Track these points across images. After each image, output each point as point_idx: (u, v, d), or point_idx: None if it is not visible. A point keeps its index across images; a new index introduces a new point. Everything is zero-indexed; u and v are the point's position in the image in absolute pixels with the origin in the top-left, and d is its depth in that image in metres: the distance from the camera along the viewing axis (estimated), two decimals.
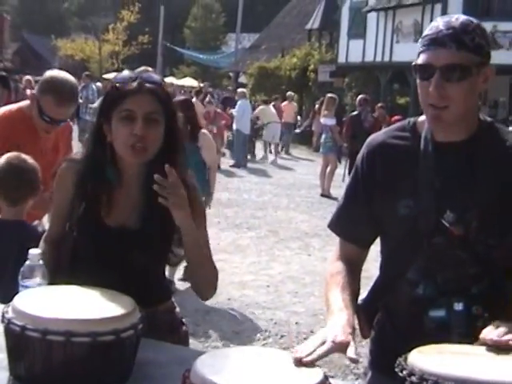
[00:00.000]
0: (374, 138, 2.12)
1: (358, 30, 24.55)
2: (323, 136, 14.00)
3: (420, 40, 1.93)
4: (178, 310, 2.41)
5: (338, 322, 1.79)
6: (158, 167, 2.17)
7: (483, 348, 1.67)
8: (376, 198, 2.03)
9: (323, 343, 1.68)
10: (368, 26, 23.99)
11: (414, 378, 1.51)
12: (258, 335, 5.61)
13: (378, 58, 23.20)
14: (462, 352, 1.64)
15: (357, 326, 1.90)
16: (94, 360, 1.68)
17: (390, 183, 2.00)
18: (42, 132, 3.59)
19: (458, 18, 1.90)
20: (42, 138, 3.64)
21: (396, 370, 1.59)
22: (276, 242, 9.11)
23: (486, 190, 1.89)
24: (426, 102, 1.91)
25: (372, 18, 23.72)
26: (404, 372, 1.55)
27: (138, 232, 2.19)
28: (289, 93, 22.35)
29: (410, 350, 1.88)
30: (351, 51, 25.12)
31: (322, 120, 14.17)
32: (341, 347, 1.68)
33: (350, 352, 1.66)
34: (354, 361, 1.66)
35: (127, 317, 1.76)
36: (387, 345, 2.07)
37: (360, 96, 14.24)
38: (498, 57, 20.87)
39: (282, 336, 5.60)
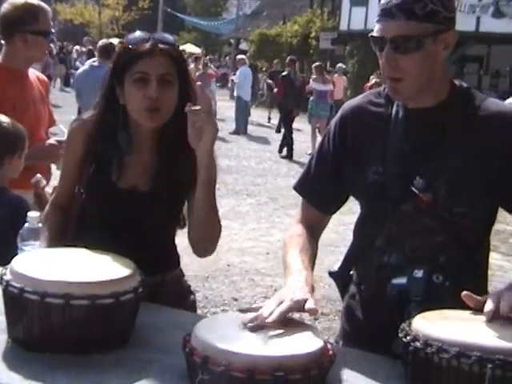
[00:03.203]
0: (350, 102, 2.10)
1: None
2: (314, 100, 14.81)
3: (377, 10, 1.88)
4: (185, 277, 2.39)
5: (297, 281, 1.77)
6: (171, 130, 2.13)
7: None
8: (346, 164, 2.01)
9: (281, 303, 1.65)
10: None
11: (418, 344, 1.50)
12: (258, 302, 5.60)
13: None
14: (466, 318, 1.62)
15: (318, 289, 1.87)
16: (93, 323, 1.66)
17: (360, 149, 1.97)
18: (41, 55, 3.53)
19: None
20: (29, 88, 3.53)
21: (400, 335, 1.57)
22: (276, 209, 9.12)
23: (455, 156, 1.85)
24: (383, 73, 1.88)
25: None
26: (408, 337, 1.54)
27: (149, 194, 2.16)
28: (339, 64, 20.13)
29: (375, 319, 1.89)
30: (353, 18, 24.90)
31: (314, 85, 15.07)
32: (299, 305, 1.65)
33: (309, 304, 1.64)
34: (313, 311, 1.64)
35: (127, 280, 1.74)
36: (356, 314, 2.07)
37: (289, 57, 15.71)
38: (502, 25, 20.83)
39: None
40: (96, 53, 8.50)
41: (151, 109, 2.06)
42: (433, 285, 1.87)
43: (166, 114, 2.10)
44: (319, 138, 14.41)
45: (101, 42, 8.35)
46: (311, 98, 15.29)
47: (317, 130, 14.58)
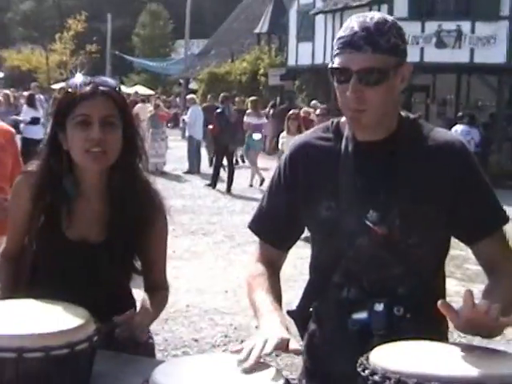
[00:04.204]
0: (298, 138, 2.10)
1: (307, 32, 24.68)
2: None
3: (335, 41, 1.88)
4: None
5: (272, 322, 1.77)
6: (118, 175, 2.13)
7: (443, 344, 1.67)
8: (299, 201, 2.00)
9: (266, 341, 1.65)
10: (316, 28, 24.12)
11: (376, 377, 1.49)
12: (218, 341, 5.57)
13: (328, 60, 23.18)
14: (424, 348, 1.63)
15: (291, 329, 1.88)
16: (48, 375, 1.62)
17: (312, 185, 1.97)
18: None
19: (372, 17, 1.84)
20: None
21: (358, 369, 1.57)
22: (232, 247, 9.10)
23: (408, 187, 1.86)
24: (344, 105, 1.87)
25: (320, 20, 23.86)
26: (366, 371, 1.53)
27: (102, 245, 2.13)
28: (314, 102, 19.01)
29: (337, 355, 1.85)
30: (300, 54, 25.23)
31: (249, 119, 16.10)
32: (283, 343, 1.66)
33: (293, 344, 1.66)
34: (297, 351, 1.68)
35: (81, 329, 1.70)
36: (317, 351, 2.05)
37: (221, 94, 16.11)
38: (444, 55, 21.19)
39: (242, 341, 5.56)
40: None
41: (94, 150, 2.05)
42: (394, 318, 1.87)
43: (110, 155, 2.09)
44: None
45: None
46: (247, 133, 15.91)
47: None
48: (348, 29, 1.84)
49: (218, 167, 15.01)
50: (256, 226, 2.14)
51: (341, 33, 1.86)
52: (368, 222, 1.88)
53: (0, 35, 54.12)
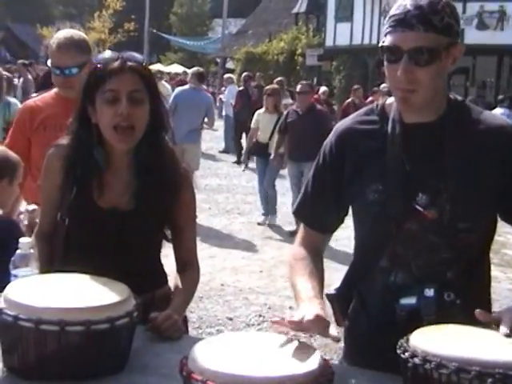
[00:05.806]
0: (342, 123, 2.05)
1: (345, 12, 24.46)
2: None
3: (387, 19, 1.84)
4: None
5: (312, 307, 1.76)
6: (144, 148, 2.16)
7: (484, 329, 1.65)
8: (345, 185, 1.97)
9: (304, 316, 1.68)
10: (355, 8, 23.90)
11: (416, 360, 1.49)
12: (253, 320, 5.59)
13: (366, 41, 23.12)
14: (464, 332, 1.62)
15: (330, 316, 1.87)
16: (89, 349, 1.65)
17: (358, 168, 1.94)
18: (63, 90, 3.43)
19: None
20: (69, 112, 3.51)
21: (398, 351, 1.56)
22: (268, 227, 9.10)
23: (458, 171, 1.83)
24: (394, 85, 1.84)
25: (359, 0, 23.63)
26: (406, 354, 1.53)
27: (132, 212, 2.16)
28: (383, 85, 18.30)
29: (384, 340, 1.81)
30: (339, 34, 25.04)
31: None
32: (321, 324, 1.69)
33: (332, 330, 1.68)
34: (337, 339, 1.69)
35: (122, 304, 1.73)
36: (361, 335, 2.03)
37: (244, 73, 17.30)
38: (485, 37, 20.83)
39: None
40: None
41: (123, 126, 2.09)
42: (444, 303, 1.83)
43: (138, 132, 2.13)
44: None
45: (195, 70, 9.98)
46: None
47: None
48: (401, 7, 1.80)
49: (238, 139, 15.60)
50: (300, 212, 2.14)
51: (393, 11, 1.82)
52: (417, 206, 1.84)
53: (40, 13, 54.54)
